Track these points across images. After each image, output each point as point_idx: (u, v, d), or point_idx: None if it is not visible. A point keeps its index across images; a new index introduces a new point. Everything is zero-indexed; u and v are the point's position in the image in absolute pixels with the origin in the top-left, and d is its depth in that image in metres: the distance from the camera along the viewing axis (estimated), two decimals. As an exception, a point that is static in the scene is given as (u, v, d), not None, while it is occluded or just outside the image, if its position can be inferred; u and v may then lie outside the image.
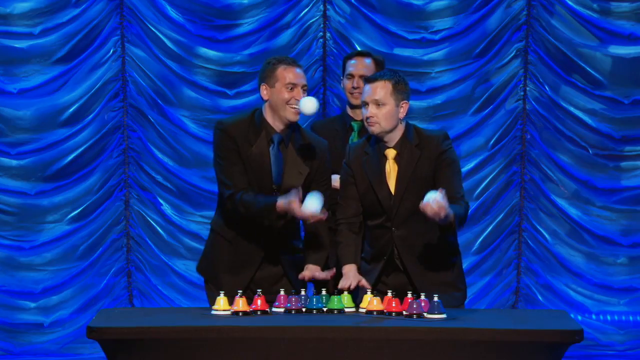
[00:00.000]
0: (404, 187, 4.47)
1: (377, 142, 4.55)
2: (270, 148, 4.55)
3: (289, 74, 4.52)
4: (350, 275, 4.44)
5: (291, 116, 4.54)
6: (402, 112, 4.50)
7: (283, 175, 4.54)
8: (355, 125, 5.13)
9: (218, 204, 4.70)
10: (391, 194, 4.49)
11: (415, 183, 4.46)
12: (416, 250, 4.50)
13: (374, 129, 4.48)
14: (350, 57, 5.17)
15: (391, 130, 4.50)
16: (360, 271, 4.51)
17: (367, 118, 4.47)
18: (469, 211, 4.58)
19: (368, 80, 4.50)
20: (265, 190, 4.53)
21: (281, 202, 4.40)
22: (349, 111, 5.16)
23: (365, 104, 4.48)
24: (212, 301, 4.58)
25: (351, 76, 5.10)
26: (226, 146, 4.56)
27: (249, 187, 4.53)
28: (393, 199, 4.48)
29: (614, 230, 7.23)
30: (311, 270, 4.51)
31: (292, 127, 4.59)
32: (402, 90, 4.50)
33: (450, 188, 4.43)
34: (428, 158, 4.47)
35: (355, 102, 5.11)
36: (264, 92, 4.56)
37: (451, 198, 4.43)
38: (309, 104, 4.46)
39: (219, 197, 4.68)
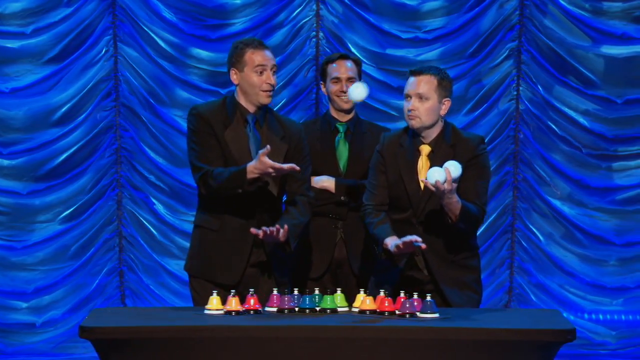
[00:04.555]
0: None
1: (413, 136, 4.53)
2: (247, 129, 4.54)
3: (257, 57, 4.51)
4: (397, 240, 4.35)
5: (263, 99, 4.55)
6: (444, 109, 4.48)
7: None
8: (340, 127, 5.13)
9: (199, 201, 4.67)
10: (420, 190, 4.47)
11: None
12: (438, 249, 4.48)
13: (414, 123, 4.46)
14: (332, 60, 5.14)
15: (430, 126, 4.48)
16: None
17: (408, 111, 4.44)
18: (482, 221, 4.56)
19: (414, 73, 4.48)
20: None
21: (252, 162, 4.37)
22: (333, 112, 5.15)
23: (407, 96, 4.45)
24: (197, 299, 4.57)
25: (338, 80, 5.09)
26: (202, 130, 4.54)
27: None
28: (422, 196, 4.46)
29: (607, 229, 7.24)
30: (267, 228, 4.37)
31: (264, 109, 4.59)
32: (446, 87, 4.47)
33: (470, 191, 4.44)
34: (461, 160, 4.41)
35: (344, 105, 5.10)
36: (234, 76, 4.57)
37: (468, 201, 4.43)
38: (359, 90, 4.46)
39: (199, 194, 4.65)
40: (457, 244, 4.50)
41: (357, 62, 5.17)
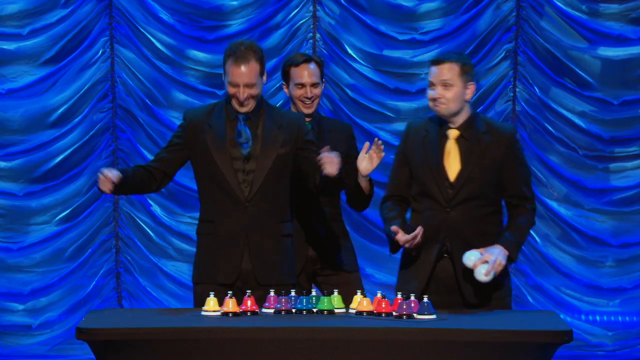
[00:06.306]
0: (468, 171, 4.46)
1: (439, 123, 4.54)
2: (238, 125, 4.53)
3: (233, 71, 4.46)
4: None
5: (238, 109, 4.52)
6: (469, 93, 4.50)
7: (255, 144, 4.52)
8: (308, 125, 5.08)
9: (200, 209, 4.68)
10: (447, 175, 4.47)
11: (481, 168, 4.46)
12: (466, 237, 4.46)
13: (440, 109, 4.47)
14: (295, 64, 5.04)
15: (457, 112, 4.50)
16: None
17: (435, 99, 4.46)
18: (534, 215, 4.58)
19: (435, 62, 4.50)
20: (236, 162, 4.51)
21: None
22: None
23: (432, 84, 4.48)
24: (198, 305, 4.57)
25: (302, 85, 5.04)
26: (180, 132, 4.60)
27: (154, 169, 4.59)
28: (456, 180, 4.46)
29: (604, 231, 7.25)
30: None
31: (257, 107, 4.55)
32: (469, 72, 4.50)
33: (515, 183, 4.49)
34: (498, 146, 4.48)
35: (307, 111, 5.05)
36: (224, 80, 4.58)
37: (521, 199, 4.50)
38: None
39: (200, 203, 4.67)
40: (486, 233, 4.47)
41: (320, 64, 5.10)
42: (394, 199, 4.62)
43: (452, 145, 4.51)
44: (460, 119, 4.51)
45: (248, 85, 4.46)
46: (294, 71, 5.02)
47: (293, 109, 5.05)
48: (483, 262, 4.32)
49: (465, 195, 4.46)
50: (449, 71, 4.46)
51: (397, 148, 4.66)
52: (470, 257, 4.34)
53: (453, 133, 4.52)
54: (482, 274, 4.31)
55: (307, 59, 5.07)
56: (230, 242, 4.53)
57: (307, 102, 5.01)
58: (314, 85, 5.01)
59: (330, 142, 4.94)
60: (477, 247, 4.42)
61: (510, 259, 4.42)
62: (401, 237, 4.42)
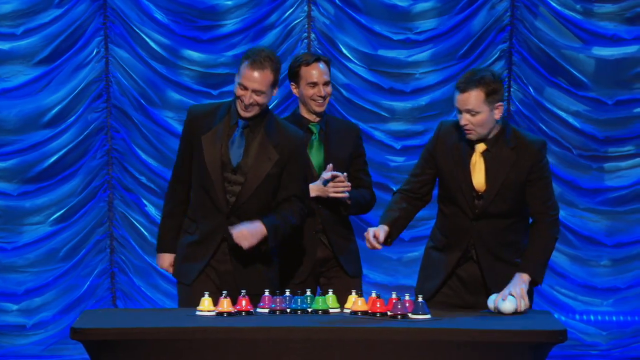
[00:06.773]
0: (496, 187, 4.41)
1: None
2: (235, 132, 4.52)
3: (246, 73, 4.45)
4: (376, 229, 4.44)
5: (241, 112, 4.51)
6: (497, 113, 4.38)
7: (246, 157, 4.50)
8: (314, 127, 5.06)
9: (190, 203, 4.67)
10: (473, 188, 4.43)
11: (507, 185, 4.41)
12: (492, 246, 4.45)
13: (470, 136, 4.40)
14: (306, 64, 5.02)
15: (488, 134, 4.42)
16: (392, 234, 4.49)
17: (463, 126, 4.37)
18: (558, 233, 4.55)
19: (458, 89, 4.36)
20: (225, 170, 4.50)
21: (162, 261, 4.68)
22: (304, 113, 5.08)
23: (458, 110, 4.37)
24: (182, 301, 4.58)
25: (315, 84, 5.04)
26: (184, 130, 4.61)
27: (184, 190, 4.62)
28: (483, 194, 4.42)
29: (598, 230, 7.25)
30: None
31: (262, 116, 4.54)
32: (495, 93, 4.35)
33: (538, 199, 4.44)
34: (524, 162, 4.42)
35: (319, 109, 5.04)
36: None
37: (541, 214, 4.45)
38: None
39: (191, 197, 4.66)
40: (511, 244, 4.48)
41: (328, 62, 5.10)
42: (404, 194, 4.57)
43: (478, 159, 4.44)
44: (490, 134, 4.43)
45: (256, 92, 4.45)
46: (305, 71, 5.01)
47: (302, 109, 5.05)
48: (499, 298, 4.30)
49: (491, 209, 4.44)
50: (474, 99, 4.32)
51: (425, 145, 4.59)
52: (490, 303, 4.33)
53: (480, 146, 4.44)
54: (502, 302, 4.28)
55: (317, 58, 5.08)
56: (208, 247, 4.55)
57: (320, 101, 5.01)
58: (326, 83, 5.01)
59: (337, 141, 4.96)
60: (501, 255, 4.44)
61: (533, 281, 4.42)
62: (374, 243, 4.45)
